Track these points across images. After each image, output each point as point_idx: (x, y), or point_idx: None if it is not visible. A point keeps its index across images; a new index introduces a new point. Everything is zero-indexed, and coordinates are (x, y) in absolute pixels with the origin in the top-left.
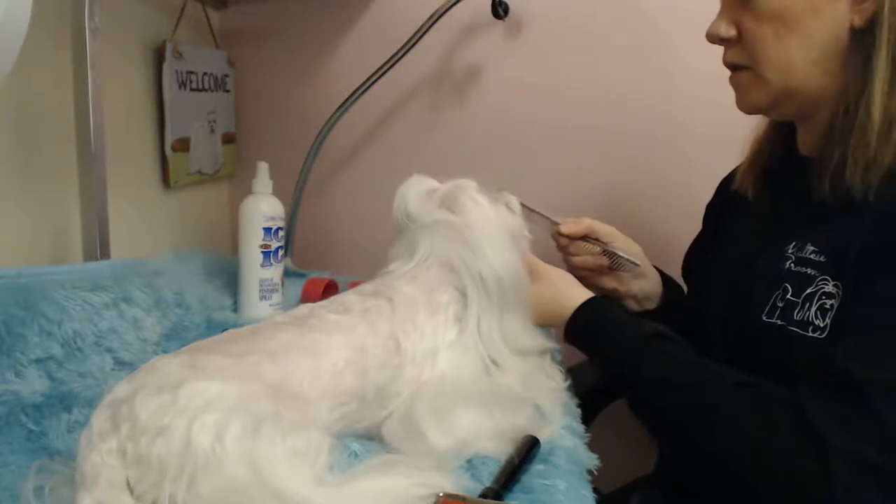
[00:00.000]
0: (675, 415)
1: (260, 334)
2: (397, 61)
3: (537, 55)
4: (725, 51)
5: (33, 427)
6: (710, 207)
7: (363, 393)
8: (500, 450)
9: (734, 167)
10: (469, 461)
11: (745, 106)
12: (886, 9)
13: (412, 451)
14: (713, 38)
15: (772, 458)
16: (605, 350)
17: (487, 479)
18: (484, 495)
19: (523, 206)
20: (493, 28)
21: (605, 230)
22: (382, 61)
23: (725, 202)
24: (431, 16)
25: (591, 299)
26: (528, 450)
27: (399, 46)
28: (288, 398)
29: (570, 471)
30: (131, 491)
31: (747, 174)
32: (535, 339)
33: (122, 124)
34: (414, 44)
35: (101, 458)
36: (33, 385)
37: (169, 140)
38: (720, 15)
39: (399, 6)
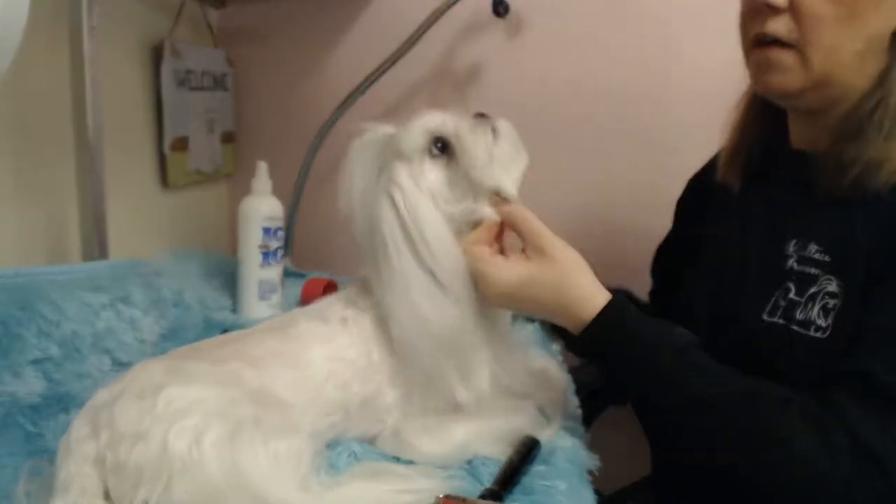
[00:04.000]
0: (722, 441)
1: (248, 339)
2: (397, 60)
3: (538, 53)
4: (767, 20)
5: (31, 428)
6: (684, 203)
7: (346, 406)
8: (499, 451)
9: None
10: (469, 462)
11: (773, 87)
12: None
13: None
14: (759, 3)
15: (831, 485)
16: (627, 366)
17: (487, 479)
18: (484, 496)
19: None
20: (494, 26)
21: None
22: (382, 60)
23: (702, 200)
24: (432, 14)
25: (610, 303)
26: (529, 451)
27: (399, 45)
28: (270, 402)
29: (571, 471)
30: (109, 497)
31: (731, 164)
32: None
33: (121, 123)
34: (414, 43)
35: (77, 466)
36: (31, 386)
37: (167, 139)
38: None
39: (399, 5)
